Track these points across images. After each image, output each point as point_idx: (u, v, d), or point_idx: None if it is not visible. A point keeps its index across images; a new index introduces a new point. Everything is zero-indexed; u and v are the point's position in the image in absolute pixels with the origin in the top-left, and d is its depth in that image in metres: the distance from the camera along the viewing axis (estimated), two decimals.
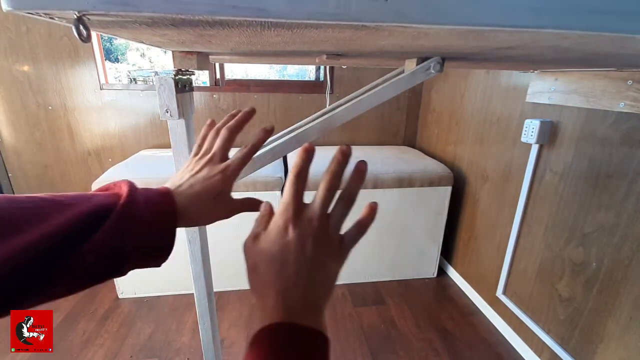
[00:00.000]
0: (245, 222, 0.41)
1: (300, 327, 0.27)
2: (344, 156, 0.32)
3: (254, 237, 0.32)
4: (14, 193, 1.97)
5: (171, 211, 0.34)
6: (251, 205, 0.42)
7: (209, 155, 0.41)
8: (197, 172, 0.39)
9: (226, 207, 0.40)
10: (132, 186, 0.32)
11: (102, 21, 0.27)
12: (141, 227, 0.31)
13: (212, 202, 0.38)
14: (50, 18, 0.25)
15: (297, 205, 0.31)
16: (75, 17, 0.23)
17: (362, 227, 0.33)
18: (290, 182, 0.31)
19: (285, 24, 0.28)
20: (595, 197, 1.02)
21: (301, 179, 0.31)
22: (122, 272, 0.31)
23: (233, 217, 0.42)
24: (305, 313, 0.28)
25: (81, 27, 0.24)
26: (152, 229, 0.32)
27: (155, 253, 0.33)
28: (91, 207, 0.29)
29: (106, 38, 2.08)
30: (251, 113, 0.44)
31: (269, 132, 0.43)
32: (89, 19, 0.25)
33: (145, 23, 0.28)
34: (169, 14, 0.23)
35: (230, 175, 0.40)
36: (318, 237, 0.30)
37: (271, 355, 0.26)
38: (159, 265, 0.34)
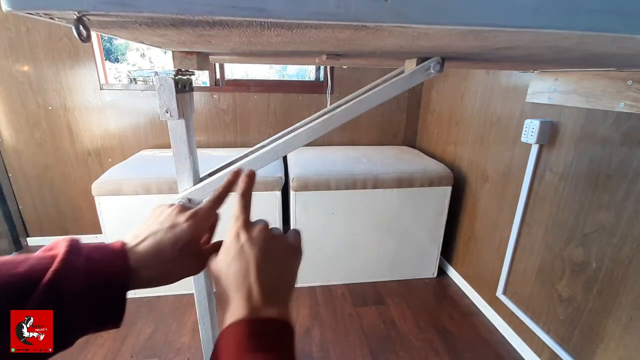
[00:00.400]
0: None
1: (263, 319, 0.29)
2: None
3: (214, 256, 0.34)
4: (14, 193, 1.97)
5: (120, 273, 0.31)
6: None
7: (181, 202, 0.39)
8: (162, 220, 0.36)
9: (195, 260, 0.36)
10: (71, 248, 0.29)
11: (102, 21, 0.27)
12: (78, 296, 0.28)
13: (177, 254, 0.34)
14: (50, 18, 0.25)
15: (246, 216, 0.34)
16: (75, 17, 0.23)
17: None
18: (238, 199, 0.35)
19: (285, 24, 0.28)
20: (595, 197, 1.02)
21: (247, 197, 0.35)
22: (68, 344, 0.28)
23: (233, 216, 0.41)
24: (269, 306, 0.30)
25: (81, 28, 0.24)
26: (94, 296, 0.29)
27: (102, 322, 0.30)
28: (13, 278, 0.26)
29: (106, 38, 2.08)
30: (237, 174, 0.39)
31: (238, 174, 0.39)
32: (89, 19, 0.25)
33: (145, 23, 0.28)
34: (168, 14, 0.23)
35: (200, 221, 0.36)
36: (268, 235, 0.34)
37: (236, 350, 0.26)
38: (115, 327, 0.31)
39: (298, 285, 1.72)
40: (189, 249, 0.35)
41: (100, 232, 1.49)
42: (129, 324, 1.45)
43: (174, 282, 0.35)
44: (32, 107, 1.83)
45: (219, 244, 0.37)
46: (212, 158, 1.75)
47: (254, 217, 0.36)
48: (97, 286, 0.29)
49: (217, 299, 0.32)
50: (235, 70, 2.53)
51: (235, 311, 0.29)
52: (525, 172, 1.26)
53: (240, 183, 0.36)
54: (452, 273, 1.86)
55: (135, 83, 2.26)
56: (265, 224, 0.35)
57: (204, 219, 0.37)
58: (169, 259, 0.34)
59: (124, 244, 0.33)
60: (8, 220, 1.94)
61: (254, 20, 0.26)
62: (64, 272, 0.27)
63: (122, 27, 0.31)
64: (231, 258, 0.32)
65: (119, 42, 3.31)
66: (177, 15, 0.24)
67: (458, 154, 1.76)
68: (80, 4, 0.21)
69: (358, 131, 2.18)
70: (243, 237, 0.33)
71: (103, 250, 0.31)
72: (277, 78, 2.98)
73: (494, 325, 1.50)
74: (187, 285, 1.77)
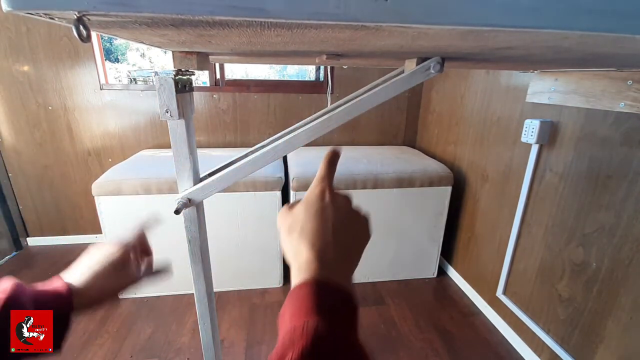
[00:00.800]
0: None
1: (333, 285, 0.28)
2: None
3: (290, 206, 0.35)
4: (14, 193, 1.97)
5: (64, 298, 0.38)
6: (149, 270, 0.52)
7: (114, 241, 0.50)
8: (100, 251, 0.47)
9: (128, 276, 0.48)
10: (16, 289, 0.35)
11: (102, 21, 0.27)
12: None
13: (114, 272, 0.45)
14: (50, 18, 0.25)
15: (331, 179, 0.35)
16: (75, 17, 0.23)
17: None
18: (326, 163, 0.36)
19: (285, 24, 0.28)
20: (595, 197, 1.02)
21: (333, 163, 0.36)
22: None
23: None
24: (338, 273, 0.29)
25: (81, 28, 0.24)
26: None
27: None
28: None
29: (106, 38, 2.08)
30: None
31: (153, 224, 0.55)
32: (89, 19, 0.25)
33: (145, 23, 0.28)
34: (168, 14, 0.23)
35: (130, 248, 0.48)
36: (350, 206, 0.34)
37: (300, 310, 0.26)
38: (56, 351, 0.37)
39: None
40: (123, 268, 0.46)
41: (100, 232, 1.49)
42: (129, 324, 1.45)
43: (115, 294, 0.46)
44: (32, 107, 1.83)
45: (147, 267, 0.51)
46: (212, 158, 1.75)
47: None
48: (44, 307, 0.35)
49: (286, 247, 0.32)
50: (235, 70, 2.53)
51: (306, 267, 0.29)
52: (525, 172, 1.26)
53: (329, 152, 0.37)
54: (452, 273, 1.86)
55: (135, 83, 2.26)
56: (349, 195, 0.35)
57: (132, 247, 0.49)
58: (109, 275, 0.45)
59: (61, 277, 0.41)
60: (8, 220, 1.94)
61: (254, 20, 0.26)
62: (13, 299, 0.33)
63: (122, 27, 0.31)
64: (313, 213, 0.32)
65: (119, 42, 3.31)
66: (177, 15, 0.24)
67: (458, 154, 1.76)
68: (80, 4, 0.21)
69: (358, 131, 2.18)
70: (328, 198, 0.33)
71: (45, 284, 0.38)
72: (277, 78, 2.98)
73: (494, 325, 1.50)
74: (187, 285, 1.76)
